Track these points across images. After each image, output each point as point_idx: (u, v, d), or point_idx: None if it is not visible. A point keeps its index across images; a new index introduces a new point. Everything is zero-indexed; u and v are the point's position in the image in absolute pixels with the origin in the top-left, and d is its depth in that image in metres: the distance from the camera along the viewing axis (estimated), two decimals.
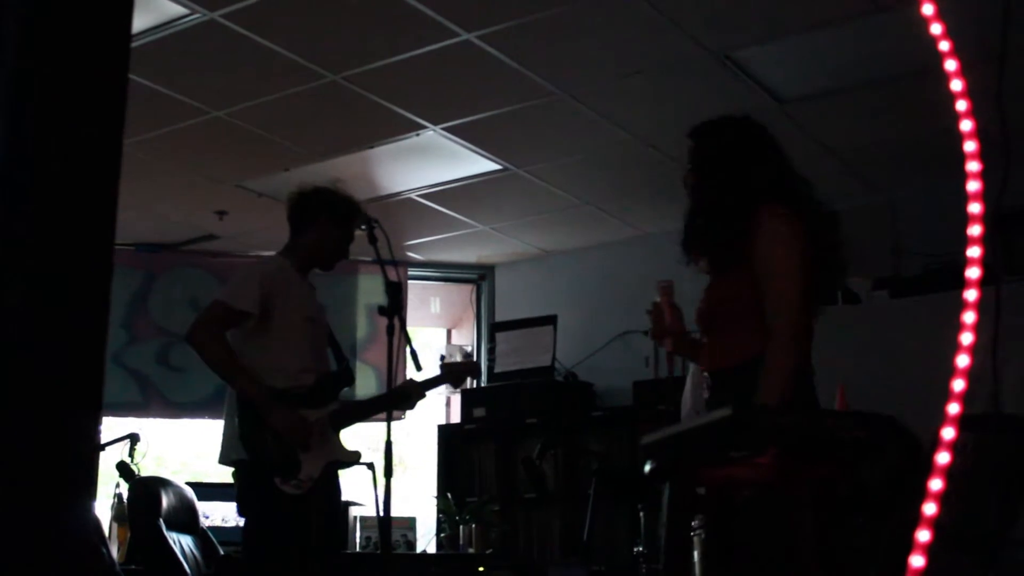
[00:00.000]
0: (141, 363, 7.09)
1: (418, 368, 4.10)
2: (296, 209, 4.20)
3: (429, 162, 5.99)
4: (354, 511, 6.70)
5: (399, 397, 4.18)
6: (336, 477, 4.06)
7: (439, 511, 6.90)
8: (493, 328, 7.48)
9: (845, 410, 4.14)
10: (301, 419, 3.86)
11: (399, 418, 6.44)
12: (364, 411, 4.33)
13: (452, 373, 4.57)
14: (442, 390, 7.92)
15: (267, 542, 3.83)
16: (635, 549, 4.88)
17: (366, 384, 7.04)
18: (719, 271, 2.99)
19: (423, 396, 4.26)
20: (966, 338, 1.77)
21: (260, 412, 3.81)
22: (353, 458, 4.03)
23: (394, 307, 3.92)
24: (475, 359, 7.61)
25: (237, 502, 4.00)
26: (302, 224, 4.17)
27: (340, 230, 4.16)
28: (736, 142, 3.03)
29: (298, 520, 3.80)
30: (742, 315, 2.90)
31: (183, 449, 8.42)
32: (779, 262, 2.84)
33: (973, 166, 1.82)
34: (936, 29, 1.90)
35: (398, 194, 6.48)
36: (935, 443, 1.78)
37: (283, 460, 3.81)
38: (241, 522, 4.07)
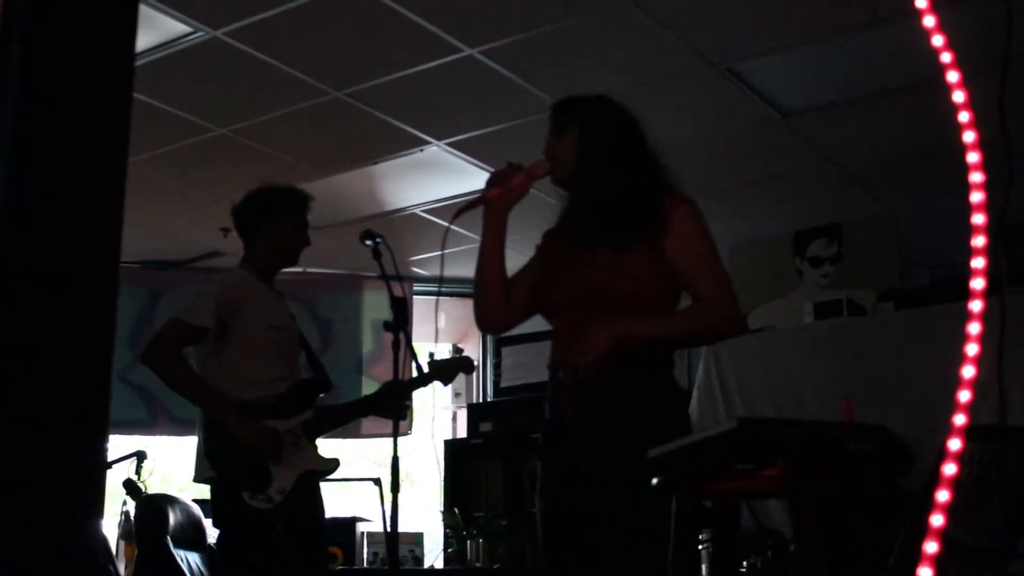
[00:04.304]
0: (147, 380, 7.05)
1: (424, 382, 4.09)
2: (237, 222, 4.18)
3: (433, 177, 5.99)
4: (361, 527, 6.70)
5: (381, 399, 4.10)
6: (315, 488, 3.94)
7: (446, 526, 6.89)
8: (499, 343, 7.48)
9: (849, 422, 4.13)
10: (269, 430, 3.80)
11: (406, 433, 6.43)
12: (342, 417, 4.16)
13: (441, 369, 4.34)
14: (448, 404, 7.94)
15: (239, 560, 3.77)
16: None
17: None
18: (616, 250, 2.94)
19: (409, 396, 4.16)
20: (971, 349, 1.77)
21: (225, 426, 3.75)
22: (330, 467, 3.93)
23: (399, 322, 3.91)
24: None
25: (212, 518, 3.91)
26: (247, 234, 4.15)
27: (285, 224, 4.08)
28: (631, 125, 3.00)
29: (270, 535, 3.72)
30: (649, 297, 2.87)
31: (190, 466, 8.40)
32: (709, 246, 2.83)
33: (976, 177, 1.82)
34: (938, 41, 1.90)
35: (402, 210, 6.48)
36: (941, 454, 1.78)
37: (250, 474, 3.73)
38: None
